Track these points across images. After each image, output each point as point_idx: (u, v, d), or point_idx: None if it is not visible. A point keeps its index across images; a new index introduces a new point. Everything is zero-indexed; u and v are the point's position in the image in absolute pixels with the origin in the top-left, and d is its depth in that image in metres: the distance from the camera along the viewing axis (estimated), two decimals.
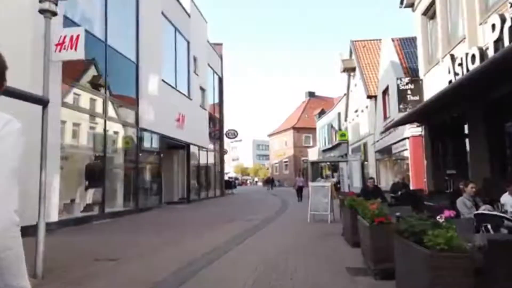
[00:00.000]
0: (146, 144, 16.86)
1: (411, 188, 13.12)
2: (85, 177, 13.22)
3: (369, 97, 23.88)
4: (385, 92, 19.90)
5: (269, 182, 48.29)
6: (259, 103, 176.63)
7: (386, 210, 5.75)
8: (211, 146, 27.67)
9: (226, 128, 32.91)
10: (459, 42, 9.78)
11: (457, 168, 10.54)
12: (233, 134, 32.77)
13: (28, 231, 3.78)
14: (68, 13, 11.53)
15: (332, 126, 38.99)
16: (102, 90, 13.13)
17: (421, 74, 13.19)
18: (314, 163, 40.41)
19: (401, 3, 13.54)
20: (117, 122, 14.30)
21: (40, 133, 5.83)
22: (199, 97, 24.43)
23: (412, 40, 17.98)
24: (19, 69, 8.19)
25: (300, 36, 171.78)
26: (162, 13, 18.34)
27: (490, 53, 7.77)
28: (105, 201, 13.44)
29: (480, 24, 8.63)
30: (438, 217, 3.56)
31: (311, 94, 64.60)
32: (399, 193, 11.85)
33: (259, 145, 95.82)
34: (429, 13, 12.45)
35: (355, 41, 28.65)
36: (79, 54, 10.02)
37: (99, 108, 13.05)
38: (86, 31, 11.48)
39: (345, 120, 32.97)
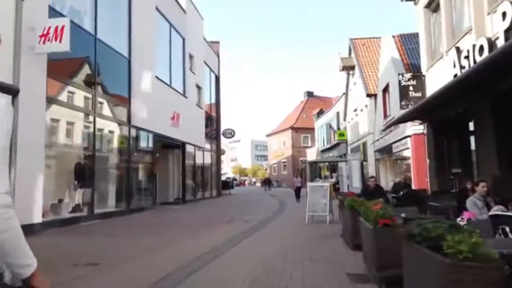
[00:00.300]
0: (139, 143, 16.32)
1: (413, 188, 12.62)
2: (74, 176, 12.70)
3: (368, 95, 23.41)
4: (385, 90, 19.42)
5: (266, 182, 47.88)
6: (257, 104, 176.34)
7: (390, 211, 5.24)
8: (207, 146, 27.14)
9: (223, 128, 32.39)
10: (465, 34, 9.30)
11: (462, 167, 10.06)
12: (230, 134, 32.24)
13: None
14: (56, 5, 11.03)
15: (330, 126, 38.51)
16: (92, 86, 12.59)
17: (423, 69, 12.70)
18: (312, 163, 39.91)
19: None
20: (107, 119, 13.76)
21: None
22: (195, 95, 23.89)
23: (413, 36, 17.51)
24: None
25: (299, 36, 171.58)
26: (156, 8, 17.81)
27: (500, 43, 7.29)
28: (95, 202, 12.92)
29: (488, 13, 8.14)
30: (459, 219, 3.04)
31: (310, 94, 64.13)
32: (401, 193, 11.37)
33: (257, 145, 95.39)
34: (432, 6, 11.98)
35: (354, 39, 28.18)
36: (64, 46, 9.51)
37: (88, 105, 12.51)
38: (73, 23, 11.00)
39: (344, 119, 32.49)
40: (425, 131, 12.77)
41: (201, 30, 25.75)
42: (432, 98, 9.55)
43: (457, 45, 9.58)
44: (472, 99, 8.82)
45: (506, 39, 6.99)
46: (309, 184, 12.69)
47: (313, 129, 48.82)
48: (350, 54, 28.68)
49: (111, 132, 14.37)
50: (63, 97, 11.37)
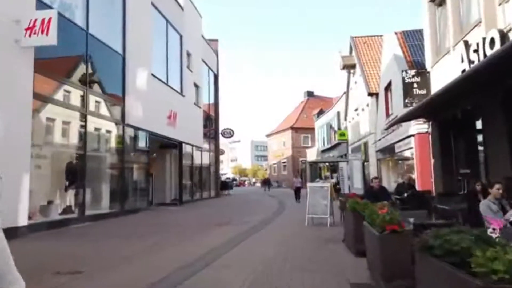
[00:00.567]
0: (134, 142, 15.84)
1: (417, 189, 12.12)
2: (66, 177, 12.24)
3: (370, 94, 22.91)
4: (387, 88, 18.92)
5: (266, 183, 47.48)
6: (257, 104, 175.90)
7: (398, 215, 4.76)
8: (206, 146, 26.66)
9: (222, 127, 31.91)
10: (474, 27, 8.81)
11: (470, 167, 9.57)
12: (229, 133, 31.74)
13: None
14: None
15: (331, 126, 38.01)
16: (83, 83, 12.10)
17: (428, 66, 12.22)
18: (312, 164, 39.43)
19: None
20: (100, 118, 13.28)
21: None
22: (193, 94, 23.40)
23: (416, 32, 17.03)
24: None
25: (299, 36, 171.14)
26: (152, 4, 17.33)
27: None
28: (86, 203, 12.45)
29: (500, 4, 7.66)
30: (490, 229, 2.55)
31: (310, 94, 63.60)
32: (405, 194, 10.86)
33: (257, 146, 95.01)
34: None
35: (355, 37, 27.68)
36: (51, 39, 9.03)
37: (79, 103, 12.02)
38: (62, 16, 10.59)
39: (345, 119, 31.98)
40: (430, 130, 12.29)
41: (199, 27, 25.28)
42: (438, 95, 9.05)
43: (465, 38, 9.10)
44: (481, 95, 8.33)
45: None
46: (309, 184, 12.21)
47: (313, 129, 48.31)
48: (351, 52, 28.18)
49: (104, 131, 13.89)
50: (52, 94, 10.89)
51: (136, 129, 15.60)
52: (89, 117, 12.33)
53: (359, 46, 26.67)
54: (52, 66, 10.81)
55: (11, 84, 8.84)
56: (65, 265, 6.14)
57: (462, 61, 8.95)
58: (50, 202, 11.56)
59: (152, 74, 16.98)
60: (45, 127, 11.47)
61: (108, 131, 14.13)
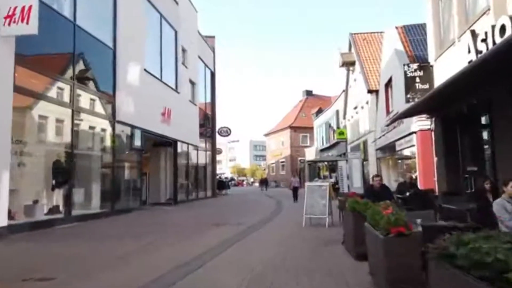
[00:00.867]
0: (125, 140, 15.26)
1: (419, 188, 11.61)
2: (53, 175, 11.71)
3: (369, 91, 22.41)
4: (388, 84, 18.41)
5: (263, 182, 47.08)
6: (257, 104, 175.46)
7: (404, 216, 4.23)
8: (202, 145, 26.12)
9: (219, 126, 31.34)
10: (482, 15, 8.30)
11: (477, 165, 9.05)
12: (226, 132, 31.19)
13: None
14: None
15: (330, 125, 37.49)
16: (70, 77, 11.55)
17: (431, 59, 11.69)
18: (311, 163, 38.90)
19: None
20: (89, 114, 12.72)
21: None
22: (189, 91, 22.84)
23: (418, 27, 16.54)
24: None
25: (298, 36, 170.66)
26: None
27: None
28: (75, 203, 11.94)
29: None
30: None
31: (309, 93, 63.04)
32: (407, 194, 10.37)
33: (256, 145, 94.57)
34: None
35: (355, 34, 27.17)
36: (32, 28, 8.50)
37: (65, 98, 11.47)
38: (46, 5, 10.04)
39: (344, 117, 31.47)
40: (433, 127, 11.76)
41: (195, 23, 24.71)
42: (442, 88, 8.51)
43: (472, 28, 8.57)
44: (489, 88, 7.80)
45: None
46: (306, 184, 11.68)
47: (312, 128, 47.79)
48: (350, 49, 27.67)
49: (93, 127, 13.35)
50: (36, 88, 10.32)
51: (128, 126, 15.04)
52: (76, 113, 11.78)
53: (359, 43, 26.18)
54: (37, 59, 10.27)
55: None
56: (36, 271, 5.61)
57: (469, 51, 8.43)
58: (35, 202, 11.03)
59: (145, 70, 16.43)
60: (30, 123, 10.93)
61: (98, 128, 13.60)
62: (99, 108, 13.38)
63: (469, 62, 8.45)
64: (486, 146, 9.15)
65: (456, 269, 2.12)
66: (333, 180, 25.79)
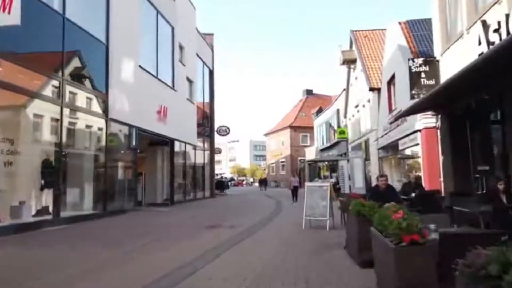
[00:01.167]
0: (119, 138, 14.74)
1: (424, 189, 11.08)
2: (41, 175, 11.21)
3: (371, 89, 21.90)
4: (390, 82, 17.88)
5: (262, 182, 46.69)
6: (257, 103, 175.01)
7: (417, 221, 3.71)
8: (200, 144, 25.60)
9: (217, 125, 30.82)
10: (494, 4, 7.77)
11: (488, 164, 8.52)
12: (225, 131, 30.65)
13: None
14: None
15: (330, 125, 36.95)
16: (58, 72, 11.02)
17: (436, 54, 11.17)
18: (311, 163, 38.35)
19: None
20: (79, 111, 12.20)
21: None
22: (186, 89, 22.32)
23: (421, 22, 16.03)
24: None
25: (298, 36, 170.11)
26: None
27: None
28: (64, 204, 11.43)
29: None
30: None
31: (309, 92, 62.49)
32: (413, 194, 9.84)
33: (256, 145, 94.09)
34: None
35: (356, 31, 26.66)
36: (14, 18, 7.97)
37: (54, 94, 10.95)
38: None
39: (345, 116, 30.94)
40: (439, 124, 11.23)
41: (193, 20, 24.20)
42: (450, 83, 7.99)
43: (483, 18, 8.05)
44: (501, 81, 7.28)
45: None
46: (306, 184, 11.15)
47: (312, 127, 47.25)
48: (351, 47, 27.16)
49: (84, 125, 12.83)
50: (22, 83, 9.79)
51: (122, 124, 14.53)
52: (65, 110, 11.27)
53: (360, 40, 25.67)
54: (23, 52, 9.74)
55: None
56: (11, 279, 5.11)
57: (480, 43, 7.92)
58: (22, 203, 10.52)
59: (140, 66, 15.91)
60: (17, 120, 10.44)
61: (90, 126, 13.08)
62: (90, 105, 12.86)
63: (480, 54, 7.94)
64: (496, 144, 8.63)
65: None
66: (333, 180, 25.27)
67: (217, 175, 63.13)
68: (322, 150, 39.69)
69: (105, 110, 13.43)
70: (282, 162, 59.10)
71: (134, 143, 15.37)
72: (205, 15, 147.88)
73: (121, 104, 14.20)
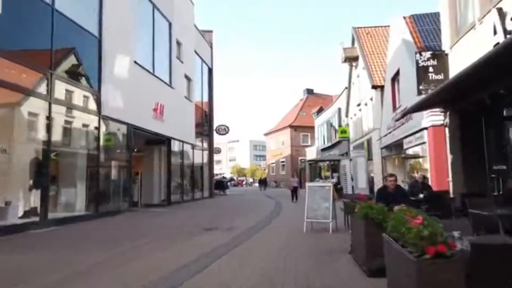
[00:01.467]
0: (112, 136, 14.18)
1: (432, 189, 10.51)
2: (30, 174, 10.68)
3: (374, 87, 21.31)
4: (395, 78, 17.29)
5: (262, 182, 46.22)
6: (257, 103, 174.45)
7: (441, 229, 3.14)
8: (199, 143, 25.04)
9: (216, 124, 30.25)
10: None
11: (505, 162, 7.95)
12: (224, 130, 30.07)
13: None
14: None
15: (331, 124, 36.37)
16: (46, 66, 10.46)
17: (445, 47, 10.59)
18: (312, 163, 37.76)
19: None
20: (69, 107, 11.63)
21: None
22: (184, 86, 21.76)
23: (427, 16, 15.45)
24: None
25: (298, 34, 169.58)
26: None
27: None
28: (52, 205, 10.90)
29: None
30: None
31: (309, 92, 61.86)
32: (421, 195, 9.28)
33: (256, 145, 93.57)
34: None
35: (358, 28, 26.08)
36: None
37: (42, 89, 10.38)
38: None
39: (346, 115, 30.34)
40: (447, 121, 10.65)
41: (191, 16, 23.63)
42: (462, 77, 7.43)
43: (498, 5, 7.48)
44: None
45: None
46: (307, 184, 10.58)
47: (312, 127, 46.64)
48: (353, 44, 26.58)
49: (75, 123, 12.27)
50: (6, 76, 9.22)
51: (115, 121, 13.97)
52: (55, 107, 10.69)
53: (362, 37, 25.09)
54: (7, 44, 9.18)
55: None
56: None
57: (495, 33, 7.35)
58: (8, 203, 9.99)
59: (135, 62, 15.35)
60: (2, 116, 9.90)
61: (81, 124, 12.52)
62: (82, 101, 12.31)
63: (495, 45, 7.37)
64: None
65: None
66: (334, 180, 24.70)
67: (217, 175, 62.74)
68: (323, 150, 39.12)
69: (98, 107, 12.87)
70: (282, 162, 58.53)
71: (128, 141, 14.80)
72: (205, 14, 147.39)
73: (114, 101, 13.64)
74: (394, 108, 17.10)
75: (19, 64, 9.52)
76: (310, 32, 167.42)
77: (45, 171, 10.50)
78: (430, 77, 10.35)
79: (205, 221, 12.09)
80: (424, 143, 13.16)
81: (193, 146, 23.51)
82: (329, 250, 7.02)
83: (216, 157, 31.97)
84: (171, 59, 19.64)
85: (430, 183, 11.67)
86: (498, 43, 7.19)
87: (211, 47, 28.37)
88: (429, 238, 2.98)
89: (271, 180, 58.64)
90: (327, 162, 34.59)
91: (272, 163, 62.62)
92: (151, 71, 17.03)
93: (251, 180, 77.97)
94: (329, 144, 36.72)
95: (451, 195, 10.22)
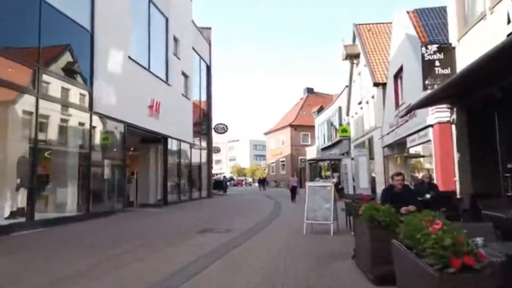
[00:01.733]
0: (105, 134, 13.68)
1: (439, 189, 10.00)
2: (17, 174, 10.18)
3: (376, 84, 20.81)
4: (398, 75, 16.79)
5: (261, 182, 45.83)
6: (257, 103, 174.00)
7: (465, 235, 2.66)
8: (197, 142, 24.54)
9: (215, 123, 29.74)
10: None
11: None
12: (223, 129, 29.55)
13: None
14: None
15: (332, 124, 35.86)
16: (33, 59, 9.95)
17: (452, 40, 10.09)
18: (312, 162, 37.24)
19: None
20: (58, 102, 11.11)
21: None
22: (181, 84, 21.25)
23: (431, 10, 14.96)
24: None
25: (299, 34, 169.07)
26: None
27: None
28: (42, 205, 10.43)
29: None
30: None
31: (310, 91, 61.33)
32: (427, 196, 8.78)
33: (256, 145, 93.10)
34: None
35: (359, 24, 25.59)
36: None
37: (28, 83, 9.88)
38: None
39: (347, 114, 29.84)
40: (454, 118, 10.16)
41: (189, 12, 23.12)
42: (470, 70, 6.93)
43: None
44: None
45: None
46: (307, 184, 10.09)
47: (313, 126, 46.14)
48: (354, 41, 26.09)
49: (65, 119, 11.76)
50: None
51: (108, 118, 13.48)
52: (42, 102, 10.19)
53: (364, 34, 24.60)
54: None
55: None
56: None
57: (509, 21, 6.85)
58: None
59: (129, 57, 14.85)
60: None
61: (72, 120, 12.01)
62: (72, 97, 11.80)
63: (509, 34, 6.89)
64: None
65: None
66: (335, 180, 24.20)
67: (217, 174, 62.16)
68: (323, 149, 38.62)
69: (90, 104, 12.38)
70: (282, 161, 58.04)
71: (122, 139, 14.32)
72: (205, 14, 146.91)
73: (108, 97, 13.16)
74: (397, 106, 16.61)
75: (2, 57, 9.01)
76: (310, 32, 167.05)
77: (33, 170, 10.00)
78: (437, 72, 9.86)
79: (201, 222, 11.60)
80: (429, 141, 12.65)
81: (191, 145, 23.01)
82: (331, 254, 6.55)
83: (216, 156, 31.37)
84: (168, 55, 19.15)
85: (435, 182, 11.17)
86: (511, 33, 6.71)
87: (210, 44, 27.86)
88: (453, 248, 2.49)
89: (271, 180, 58.17)
90: (328, 162, 34.09)
91: (272, 163, 62.13)
92: (147, 67, 16.53)
93: (250, 180, 77.49)
94: (330, 143, 36.23)
95: (458, 196, 9.75)
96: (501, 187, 7.74)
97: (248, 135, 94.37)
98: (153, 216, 13.73)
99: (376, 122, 21.15)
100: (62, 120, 11.58)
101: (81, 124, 12.25)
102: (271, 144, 63.22)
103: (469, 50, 9.13)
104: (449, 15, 10.29)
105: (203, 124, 26.96)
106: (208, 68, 27.72)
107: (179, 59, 20.49)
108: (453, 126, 10.43)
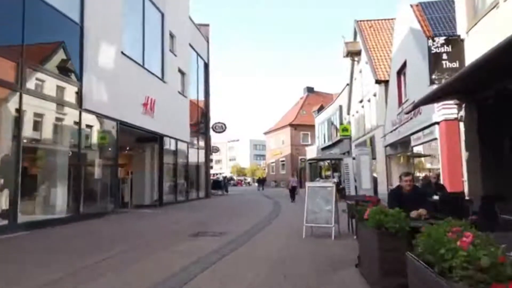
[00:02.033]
0: (95, 132, 13.13)
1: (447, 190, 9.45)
2: (0, 174, 9.63)
3: (377, 82, 20.26)
4: (401, 71, 16.24)
5: (260, 182, 45.34)
6: (257, 102, 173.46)
7: (501, 249, 2.11)
8: (195, 142, 23.98)
9: (213, 122, 29.21)
10: None
11: None
12: (221, 128, 29.00)
13: None
14: None
15: (332, 123, 35.30)
16: (16, 52, 9.39)
17: (461, 32, 9.53)
18: (312, 162, 36.68)
19: None
20: (44, 99, 10.53)
21: None
22: (178, 81, 20.68)
23: (435, 4, 14.40)
24: None
25: (299, 33, 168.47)
26: None
27: None
28: (29, 207, 9.89)
29: None
30: None
31: (310, 90, 60.79)
32: (435, 197, 8.24)
33: (256, 145, 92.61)
34: None
35: (360, 21, 25.03)
36: None
37: (11, 77, 9.32)
38: None
39: (348, 113, 29.28)
40: (462, 115, 9.59)
41: (186, 8, 22.55)
42: (481, 62, 6.35)
43: None
44: None
45: None
46: (307, 184, 9.53)
47: (313, 126, 45.61)
48: (355, 38, 25.52)
49: (52, 116, 11.20)
50: None
51: (99, 116, 12.92)
52: (27, 98, 9.63)
53: (365, 30, 24.05)
54: None
55: None
56: None
57: None
58: None
59: (122, 53, 14.29)
60: None
61: (59, 118, 11.45)
62: (60, 93, 11.24)
63: None
64: None
65: None
66: (335, 180, 23.65)
67: (216, 174, 61.62)
68: (323, 149, 38.07)
69: (79, 100, 11.82)
70: (282, 161, 57.50)
71: (113, 137, 13.76)
72: (205, 14, 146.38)
73: (98, 93, 12.60)
74: (400, 103, 16.05)
75: None
76: (310, 32, 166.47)
77: (17, 169, 9.44)
78: (444, 65, 9.30)
79: (196, 224, 11.03)
80: (435, 139, 12.08)
81: (188, 144, 22.46)
82: (333, 262, 5.99)
83: (216, 156, 30.67)
84: (164, 51, 18.59)
85: (442, 183, 10.61)
86: None
87: (208, 42, 27.30)
88: (493, 270, 1.94)
89: (271, 179, 57.65)
90: (328, 161, 33.54)
91: (272, 163, 61.60)
92: (141, 64, 15.97)
93: (249, 180, 76.92)
94: (330, 142, 35.69)
95: (467, 197, 9.19)
96: (507, 187, 7.19)
97: (248, 135, 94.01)
98: (147, 218, 13.17)
99: (378, 121, 20.59)
100: (50, 117, 11.02)
101: (70, 121, 11.69)
102: (271, 143, 62.69)
103: (479, 42, 8.58)
104: (457, 5, 9.72)
105: (201, 122, 26.42)
106: (206, 66, 27.16)
107: (175, 55, 19.93)
108: (461, 123, 9.86)
